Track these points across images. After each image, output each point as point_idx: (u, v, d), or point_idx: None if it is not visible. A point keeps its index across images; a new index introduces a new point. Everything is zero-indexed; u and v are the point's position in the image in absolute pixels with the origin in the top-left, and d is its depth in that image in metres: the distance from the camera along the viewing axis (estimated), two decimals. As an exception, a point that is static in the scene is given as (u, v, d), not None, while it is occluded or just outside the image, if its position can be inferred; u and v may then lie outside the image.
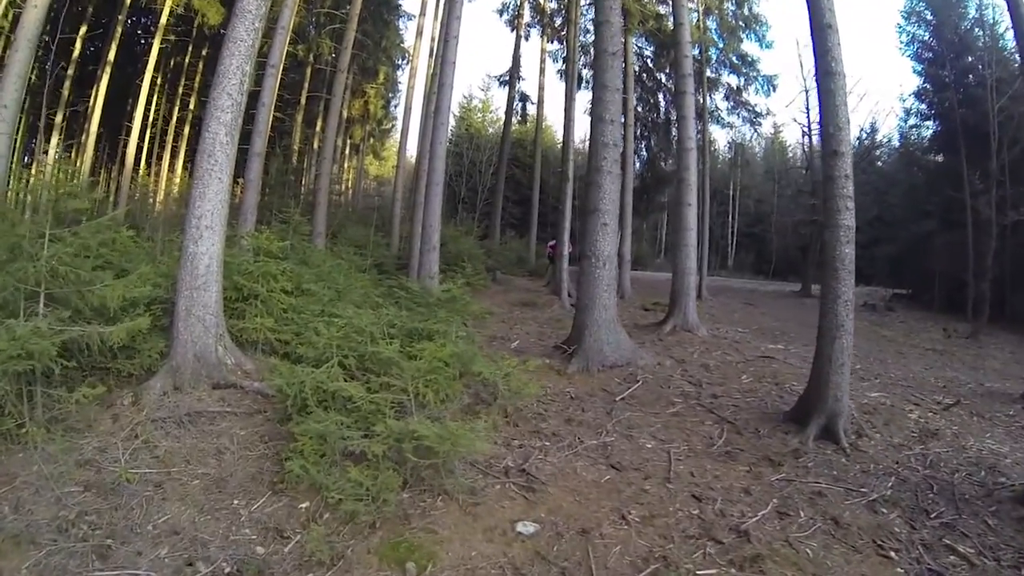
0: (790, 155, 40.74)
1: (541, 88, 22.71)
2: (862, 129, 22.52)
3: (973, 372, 9.90)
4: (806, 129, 20.10)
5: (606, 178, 7.83)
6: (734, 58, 18.54)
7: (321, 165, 15.13)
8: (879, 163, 25.43)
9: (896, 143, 23.12)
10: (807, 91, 19.48)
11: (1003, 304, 14.57)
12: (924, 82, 18.17)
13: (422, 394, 5.11)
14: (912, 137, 20.37)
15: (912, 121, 19.63)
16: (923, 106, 18.59)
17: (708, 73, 17.90)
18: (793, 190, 21.10)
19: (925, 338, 13.12)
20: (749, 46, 18.48)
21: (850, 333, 5.52)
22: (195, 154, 6.53)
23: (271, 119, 13.42)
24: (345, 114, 22.30)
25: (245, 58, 6.22)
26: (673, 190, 16.19)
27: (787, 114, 67.20)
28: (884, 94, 63.95)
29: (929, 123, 18.65)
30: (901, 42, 18.76)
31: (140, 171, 19.62)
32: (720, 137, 41.27)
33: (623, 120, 17.16)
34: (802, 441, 5.41)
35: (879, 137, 23.35)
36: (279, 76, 12.26)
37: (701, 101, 17.40)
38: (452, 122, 36.19)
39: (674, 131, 20.16)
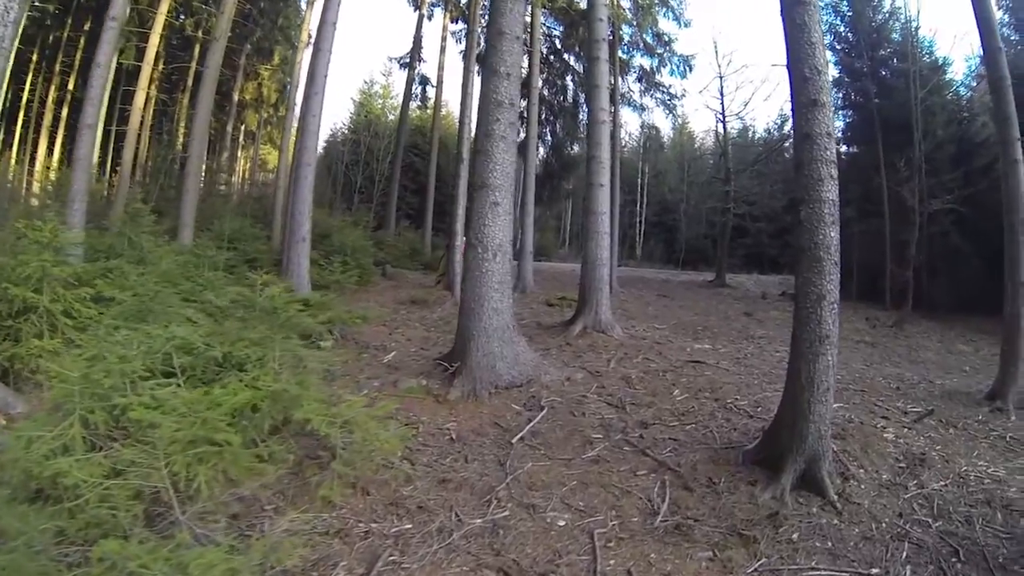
0: (699, 143, 39.98)
1: (441, 68, 20.36)
2: (772, 122, 21.46)
3: (914, 366, 8.60)
4: (720, 115, 18.87)
5: (498, 145, 5.70)
6: (648, 38, 16.92)
7: (190, 147, 12.27)
8: (787, 155, 24.75)
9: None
10: (722, 77, 18.41)
11: (920, 292, 13.81)
12: (840, 72, 17.22)
13: (188, 476, 2.87)
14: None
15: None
16: (838, 96, 17.64)
17: (620, 54, 16.15)
18: (706, 177, 20.02)
19: (850, 328, 11.86)
20: (665, 24, 16.97)
21: (835, 345, 3.71)
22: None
23: (109, 85, 10.49)
24: (236, 97, 19.24)
25: None
26: (583, 172, 14.39)
27: (698, 100, 66.60)
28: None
29: (844, 113, 17.71)
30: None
31: (8, 158, 16.10)
32: (632, 121, 40.01)
33: (528, 99, 15.33)
34: (777, 496, 3.58)
35: (789, 128, 22.43)
36: (120, 32, 9.40)
37: (613, 82, 15.68)
38: (351, 108, 33.30)
39: (582, 115, 18.66)
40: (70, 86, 16.69)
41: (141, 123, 15.41)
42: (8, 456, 2.92)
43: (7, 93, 13.25)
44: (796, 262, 3.82)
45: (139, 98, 12.84)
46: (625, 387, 6.00)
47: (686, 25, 17.37)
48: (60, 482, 2.76)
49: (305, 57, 15.14)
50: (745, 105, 26.43)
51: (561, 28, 18.58)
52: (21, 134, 16.25)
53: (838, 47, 17.32)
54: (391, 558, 3.02)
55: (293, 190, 9.59)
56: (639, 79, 18.30)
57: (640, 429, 4.75)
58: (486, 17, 17.80)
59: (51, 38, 16.32)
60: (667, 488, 3.74)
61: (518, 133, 6.11)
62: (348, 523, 3.31)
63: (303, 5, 21.37)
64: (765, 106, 69.89)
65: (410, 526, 3.33)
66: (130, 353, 3.50)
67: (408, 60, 20.99)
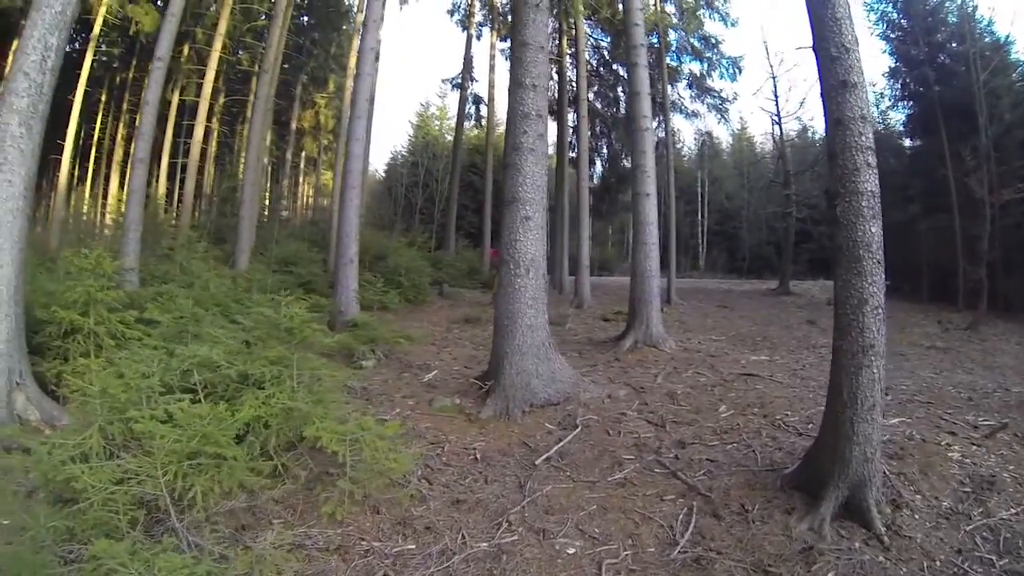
0: (759, 147, 38.39)
1: (492, 87, 20.34)
2: None
3: (989, 373, 7.64)
4: (775, 117, 18.00)
5: (527, 158, 5.54)
6: (695, 42, 16.38)
7: (245, 176, 12.84)
8: None
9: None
10: (775, 77, 17.48)
11: (996, 291, 12.50)
12: (895, 62, 16.06)
13: (185, 486, 2.96)
14: (888, 121, 18.16)
15: (886, 104, 17.41)
16: (896, 87, 16.48)
17: (668, 61, 15.75)
18: (764, 182, 18.95)
19: (920, 334, 10.89)
20: (712, 25, 16.44)
21: (882, 356, 3.28)
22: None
23: (173, 121, 11.11)
24: (295, 126, 20.06)
25: (51, 28, 4.78)
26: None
27: (753, 102, 63.05)
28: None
29: (903, 104, 16.51)
30: (869, 21, 16.73)
31: (82, 192, 17.36)
32: (685, 129, 38.89)
33: (577, 112, 15.14)
34: (815, 527, 3.17)
35: None
36: (167, 70, 9.96)
37: (662, 90, 15.32)
38: (410, 131, 34.02)
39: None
40: (137, 122, 17.89)
41: (204, 155, 16.30)
42: (33, 460, 3.10)
43: (79, 130, 14.26)
44: (834, 263, 3.43)
45: (198, 132, 13.57)
46: (668, 403, 5.64)
47: (733, 24, 16.78)
48: (73, 486, 2.92)
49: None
50: (801, 104, 25.01)
51: (609, 39, 18.36)
52: (94, 169, 17.50)
53: (892, 35, 16.16)
54: None
55: (340, 213, 9.83)
56: (689, 85, 17.82)
57: (676, 449, 4.40)
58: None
59: (118, 79, 17.60)
60: (693, 515, 3.41)
61: (548, 145, 5.95)
62: (351, 540, 3.24)
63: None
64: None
65: (413, 547, 3.21)
66: (150, 370, 3.65)
67: (459, 80, 21.29)
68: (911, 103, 16.44)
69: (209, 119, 15.32)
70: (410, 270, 13.14)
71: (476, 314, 11.75)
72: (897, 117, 17.64)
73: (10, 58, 4.81)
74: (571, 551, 3.16)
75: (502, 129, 27.98)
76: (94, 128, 17.12)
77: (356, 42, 16.25)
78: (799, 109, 24.30)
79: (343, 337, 7.78)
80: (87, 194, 17.55)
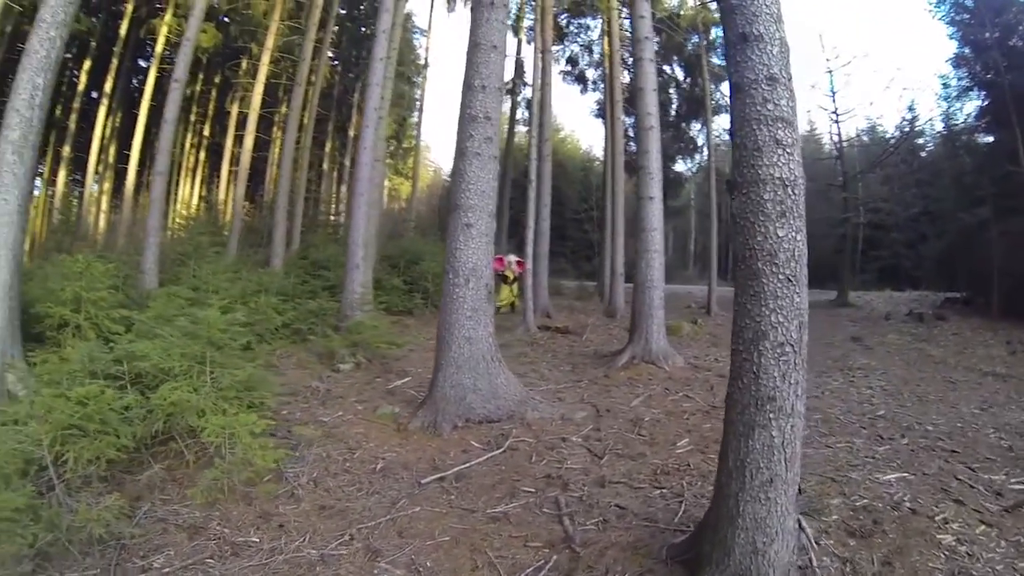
0: (827, 148, 35.33)
1: (539, 89, 20.10)
2: (902, 119, 17.92)
3: None
4: (833, 114, 16.30)
5: (471, 163, 5.14)
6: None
7: (278, 184, 13.15)
8: (923, 153, 20.78)
9: (939, 127, 18.54)
10: (831, 72, 15.81)
11: None
12: (961, 47, 14.05)
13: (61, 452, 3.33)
14: (956, 116, 15.96)
15: (952, 94, 15.22)
16: (963, 76, 14.37)
17: (711, 59, 14.65)
18: (821, 185, 17.18)
19: (983, 356, 9.27)
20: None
21: (792, 414, 2.44)
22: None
23: (232, 131, 11.50)
24: (352, 133, 20.57)
25: (38, 71, 5.41)
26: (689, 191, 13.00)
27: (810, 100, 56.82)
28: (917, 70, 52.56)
29: (972, 95, 14.31)
30: (930, 3, 14.80)
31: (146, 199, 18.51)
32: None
33: (611, 116, 14.33)
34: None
35: (919, 123, 18.51)
36: (183, 90, 10.29)
37: (703, 89, 14.28)
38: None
39: (693, 129, 17.00)
40: (205, 132, 18.83)
41: (266, 161, 16.88)
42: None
43: (144, 142, 15.12)
44: (733, 278, 2.70)
45: (248, 141, 14.01)
46: (625, 431, 4.99)
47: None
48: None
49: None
50: (866, 102, 22.66)
51: (658, 38, 17.48)
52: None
53: (957, 18, 14.03)
54: (204, 561, 2.98)
55: (350, 218, 9.78)
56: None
57: (592, 487, 3.78)
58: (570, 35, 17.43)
59: (188, 92, 18.59)
60: (545, 571, 2.86)
61: (499, 148, 5.49)
62: (210, 523, 3.30)
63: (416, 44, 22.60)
64: (895, 101, 59.06)
65: (256, 540, 3.19)
66: (84, 359, 4.08)
67: (511, 87, 21.00)
68: (980, 93, 14.23)
69: (260, 129, 15.79)
70: (440, 275, 12.91)
71: (499, 321, 11.28)
72: (967, 109, 15.42)
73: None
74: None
75: (565, 134, 27.31)
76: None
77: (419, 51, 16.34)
78: (857, 105, 21.86)
79: (326, 340, 7.67)
80: (174, 201, 18.65)
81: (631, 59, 9.60)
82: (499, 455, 4.35)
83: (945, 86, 15.12)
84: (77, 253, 6.70)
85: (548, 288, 14.43)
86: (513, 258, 13.22)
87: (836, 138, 16.64)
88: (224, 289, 8.26)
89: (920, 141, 19.98)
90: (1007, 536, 3.00)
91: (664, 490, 3.73)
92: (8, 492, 2.87)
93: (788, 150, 2.48)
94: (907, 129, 16.20)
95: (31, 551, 2.78)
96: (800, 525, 2.70)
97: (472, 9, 5.57)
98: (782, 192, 2.46)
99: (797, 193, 2.48)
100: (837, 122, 16.29)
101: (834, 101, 16.08)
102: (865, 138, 23.56)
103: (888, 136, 18.09)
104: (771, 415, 2.42)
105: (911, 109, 16.37)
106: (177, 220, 16.73)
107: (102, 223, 16.61)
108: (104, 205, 17.20)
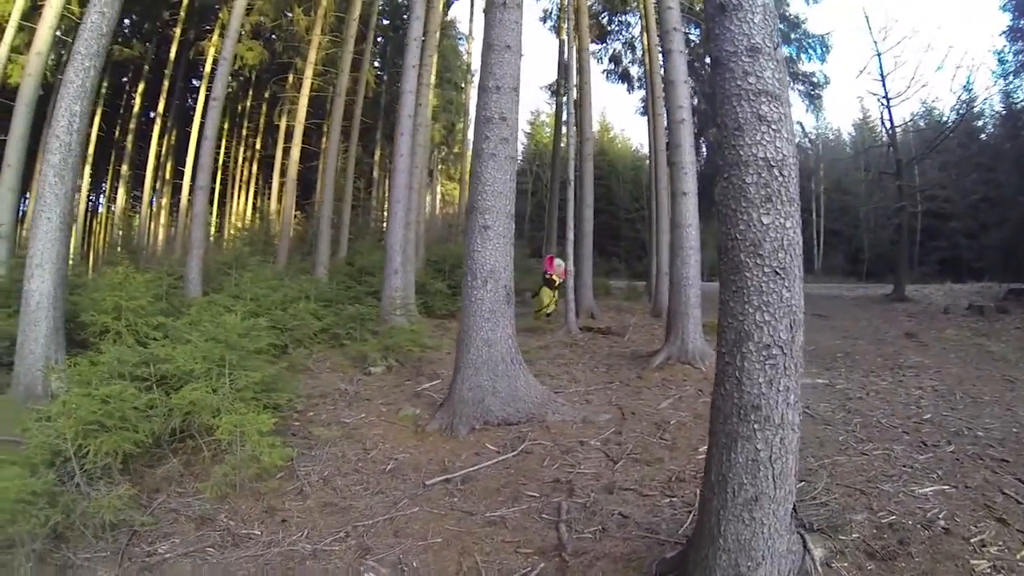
0: (881, 136, 33.32)
1: (578, 88, 19.98)
2: (958, 99, 16.52)
3: None
4: (883, 100, 15.30)
5: (487, 164, 5.09)
6: (781, 25, 14.51)
7: (324, 192, 13.51)
8: (982, 136, 19.21)
9: (998, 106, 17.07)
10: (879, 54, 14.80)
11: None
12: (1015, 19, 12.84)
13: (82, 445, 3.53)
14: (1016, 94, 14.64)
15: (1010, 70, 13.93)
16: (1020, 50, 13.15)
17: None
18: (874, 173, 15.93)
19: None
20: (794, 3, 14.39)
21: (782, 425, 2.22)
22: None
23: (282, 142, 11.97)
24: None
25: (75, 98, 5.71)
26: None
27: (858, 86, 51.70)
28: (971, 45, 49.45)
29: None
30: None
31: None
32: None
33: (652, 112, 13.93)
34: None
35: (976, 104, 16.94)
36: (223, 107, 10.72)
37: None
38: (523, 139, 33.98)
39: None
40: (257, 145, 19.57)
41: (316, 171, 17.42)
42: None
43: (196, 157, 15.85)
44: (719, 273, 2.48)
45: (295, 152, 14.48)
46: (647, 435, 4.79)
47: (815, 1, 14.61)
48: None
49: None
50: (912, 81, 20.85)
51: (698, 30, 17.06)
52: (221, 190, 19.41)
53: None
54: (205, 549, 3.10)
55: (388, 222, 9.92)
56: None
57: (601, 494, 3.63)
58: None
59: (239, 108, 19.40)
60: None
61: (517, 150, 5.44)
62: (218, 515, 3.44)
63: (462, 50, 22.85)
64: (950, 81, 53.82)
65: (258, 533, 3.29)
66: (115, 362, 4.31)
67: (555, 87, 20.93)
68: None
69: (310, 141, 16.29)
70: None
71: (546, 324, 11.21)
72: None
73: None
74: None
75: (614, 134, 26.72)
76: (218, 151, 19.06)
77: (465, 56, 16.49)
78: (909, 88, 20.21)
79: (360, 344, 7.78)
80: (215, 213, 19.52)
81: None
82: (511, 458, 4.27)
83: (1001, 62, 13.94)
84: (118, 266, 7.06)
85: (596, 288, 14.22)
86: (561, 263, 12.96)
87: (888, 124, 15.61)
88: (264, 296, 8.56)
89: (979, 123, 18.53)
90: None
91: (674, 498, 3.54)
92: (31, 479, 3.08)
93: (774, 127, 2.26)
94: (963, 111, 14.99)
95: (43, 531, 2.96)
96: (804, 544, 2.46)
97: (485, 11, 5.55)
98: (767, 174, 2.24)
99: (786, 175, 2.26)
100: (888, 107, 15.28)
101: (884, 85, 15.08)
102: (921, 123, 22.04)
103: (944, 119, 16.92)
104: (756, 426, 2.21)
105: (967, 89, 15.12)
106: (231, 231, 17.42)
107: (160, 236, 17.53)
108: (163, 219, 18.15)
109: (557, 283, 12.82)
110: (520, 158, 33.96)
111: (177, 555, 3.04)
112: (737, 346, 2.25)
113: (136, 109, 17.32)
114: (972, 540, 2.78)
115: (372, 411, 5.54)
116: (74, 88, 5.73)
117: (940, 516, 3.03)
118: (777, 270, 2.23)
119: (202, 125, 11.54)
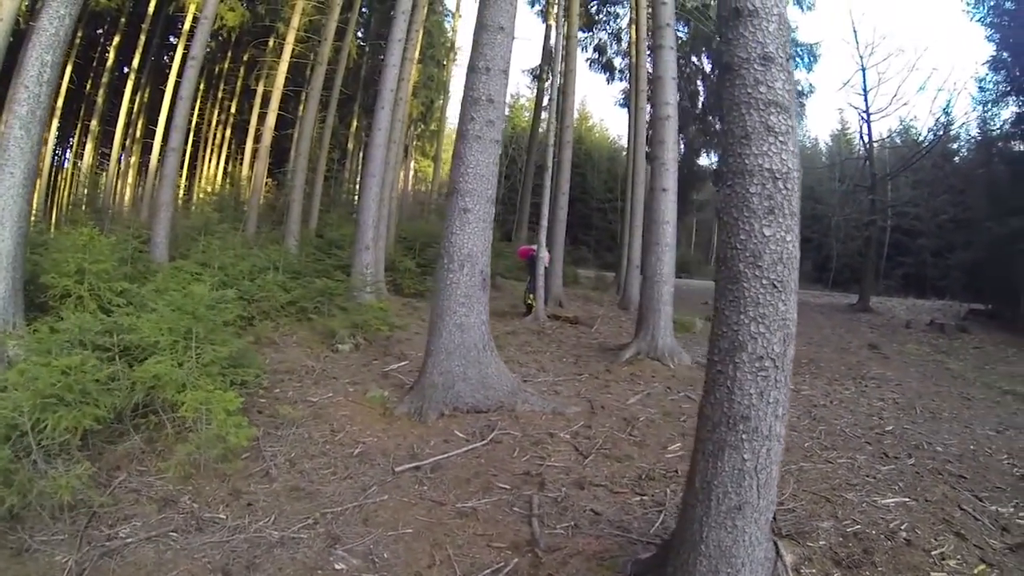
0: (857, 149, 34.11)
1: (563, 75, 19.87)
2: (936, 121, 16.99)
3: None
4: (863, 113, 15.57)
5: (471, 146, 4.96)
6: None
7: (297, 161, 13.13)
8: (956, 158, 19.83)
9: (975, 131, 17.60)
10: (864, 69, 15.09)
11: None
12: (999, 50, 13.29)
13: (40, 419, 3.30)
14: (992, 121, 15.17)
15: (989, 98, 14.41)
16: (1000, 80, 13.59)
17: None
18: (848, 185, 16.39)
19: (1004, 373, 8.76)
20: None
21: (769, 436, 2.20)
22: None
23: (189, 113, 11.51)
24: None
25: (46, 48, 5.41)
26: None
27: (841, 98, 53.01)
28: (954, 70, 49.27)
29: (1009, 101, 13.51)
30: (968, 4, 13.92)
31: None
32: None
33: (635, 105, 13.89)
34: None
35: (953, 127, 17.44)
36: (200, 68, 10.27)
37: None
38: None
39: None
40: (232, 109, 18.90)
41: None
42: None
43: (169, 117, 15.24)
44: (716, 281, 2.45)
45: (270, 119, 14.00)
46: (617, 430, 4.80)
47: (809, 8, 14.73)
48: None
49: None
50: (894, 99, 21.45)
51: (685, 28, 16.99)
52: (192, 152, 18.73)
53: (996, 20, 13.36)
54: (168, 534, 2.97)
55: (359, 199, 9.69)
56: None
57: (572, 489, 3.62)
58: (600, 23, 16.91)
59: (216, 69, 18.68)
60: (503, 574, 2.73)
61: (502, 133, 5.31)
62: (181, 497, 3.31)
63: (447, 27, 22.37)
64: (930, 102, 53.90)
65: (224, 517, 3.17)
66: (77, 330, 4.12)
67: (538, 72, 20.67)
68: (1019, 99, 13.45)
69: (286, 108, 15.79)
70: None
71: (508, 309, 11.15)
72: (1004, 115, 14.61)
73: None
74: (339, 567, 2.78)
75: (592, 123, 26.63)
76: (192, 114, 18.38)
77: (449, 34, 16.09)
78: (890, 104, 20.65)
79: (328, 320, 7.61)
80: (183, 177, 18.87)
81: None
82: (480, 447, 4.23)
83: (982, 89, 14.38)
84: (82, 226, 6.71)
85: (565, 277, 14.19)
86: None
87: (867, 138, 15.92)
88: (231, 265, 8.29)
89: (954, 146, 19.09)
90: (1005, 578, 2.72)
91: (645, 497, 3.56)
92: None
93: (781, 138, 2.22)
94: (940, 133, 15.44)
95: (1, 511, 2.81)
96: (777, 551, 2.49)
97: (481, -12, 5.38)
98: (771, 185, 2.20)
99: (789, 188, 2.22)
100: (868, 121, 15.59)
101: (866, 100, 15.36)
102: (898, 139, 22.64)
103: (920, 139, 17.42)
104: (744, 436, 2.19)
105: (946, 112, 15.57)
106: (200, 195, 16.85)
107: (127, 196, 16.83)
108: (130, 179, 17.43)
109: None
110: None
111: (139, 539, 2.89)
112: (730, 355, 2.23)
113: (110, 63, 16.42)
114: (933, 553, 2.87)
115: (339, 391, 5.39)
116: (47, 36, 5.39)
117: (902, 528, 3.11)
118: (775, 283, 2.21)
119: (177, 84, 11.06)
